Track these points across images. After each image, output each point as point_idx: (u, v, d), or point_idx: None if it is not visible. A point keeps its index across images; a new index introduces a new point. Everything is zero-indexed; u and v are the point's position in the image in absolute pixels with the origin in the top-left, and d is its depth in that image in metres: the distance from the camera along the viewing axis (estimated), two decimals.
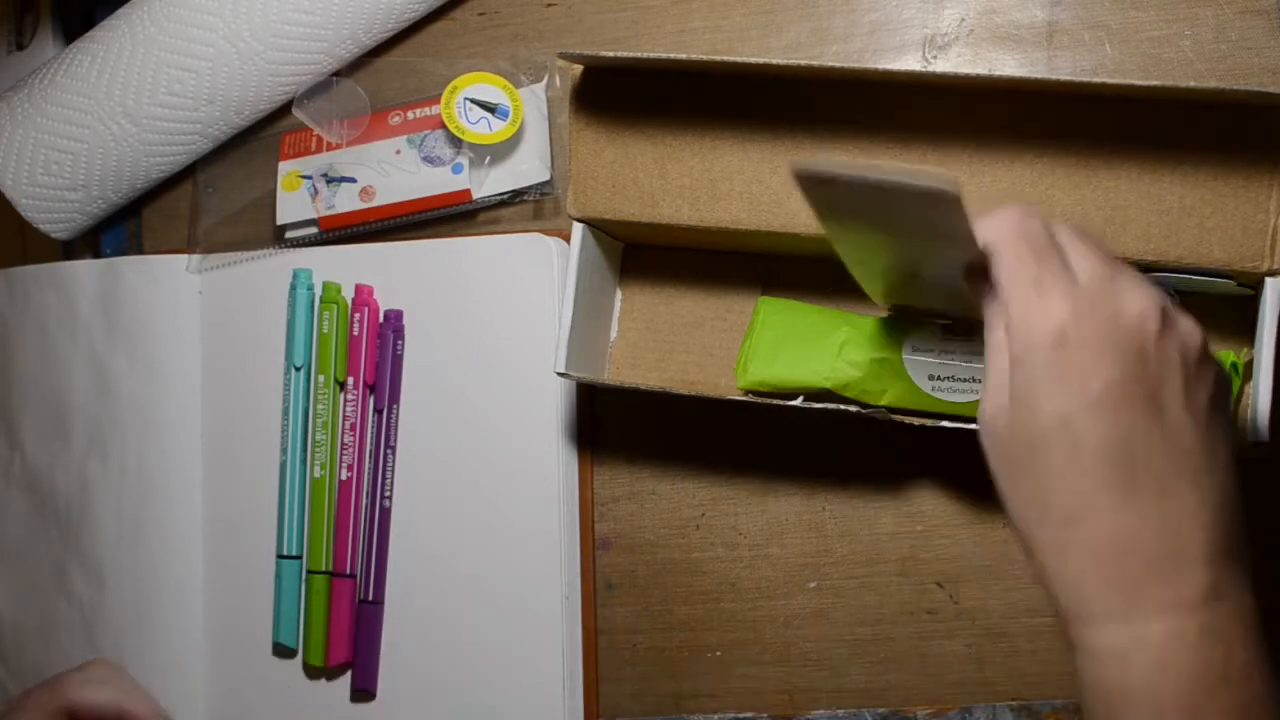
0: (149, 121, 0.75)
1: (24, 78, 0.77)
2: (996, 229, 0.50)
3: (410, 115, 0.76)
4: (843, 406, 0.63)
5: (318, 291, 0.76)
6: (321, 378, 0.75)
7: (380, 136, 0.75)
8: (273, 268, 0.77)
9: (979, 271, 0.52)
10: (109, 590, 0.77)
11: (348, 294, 0.76)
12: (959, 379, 0.63)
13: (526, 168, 0.74)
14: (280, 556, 0.75)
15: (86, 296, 0.79)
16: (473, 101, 0.73)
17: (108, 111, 0.75)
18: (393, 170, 0.74)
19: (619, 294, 0.73)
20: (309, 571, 0.75)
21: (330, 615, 0.74)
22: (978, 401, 0.59)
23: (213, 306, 0.78)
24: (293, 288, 0.76)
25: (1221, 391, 0.50)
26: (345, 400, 0.75)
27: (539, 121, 0.74)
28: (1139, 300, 0.48)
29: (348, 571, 0.74)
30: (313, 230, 0.76)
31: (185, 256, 0.79)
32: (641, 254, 0.72)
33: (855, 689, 0.68)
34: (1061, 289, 0.48)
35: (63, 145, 0.75)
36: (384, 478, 0.74)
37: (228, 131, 0.78)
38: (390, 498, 0.74)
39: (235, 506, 0.77)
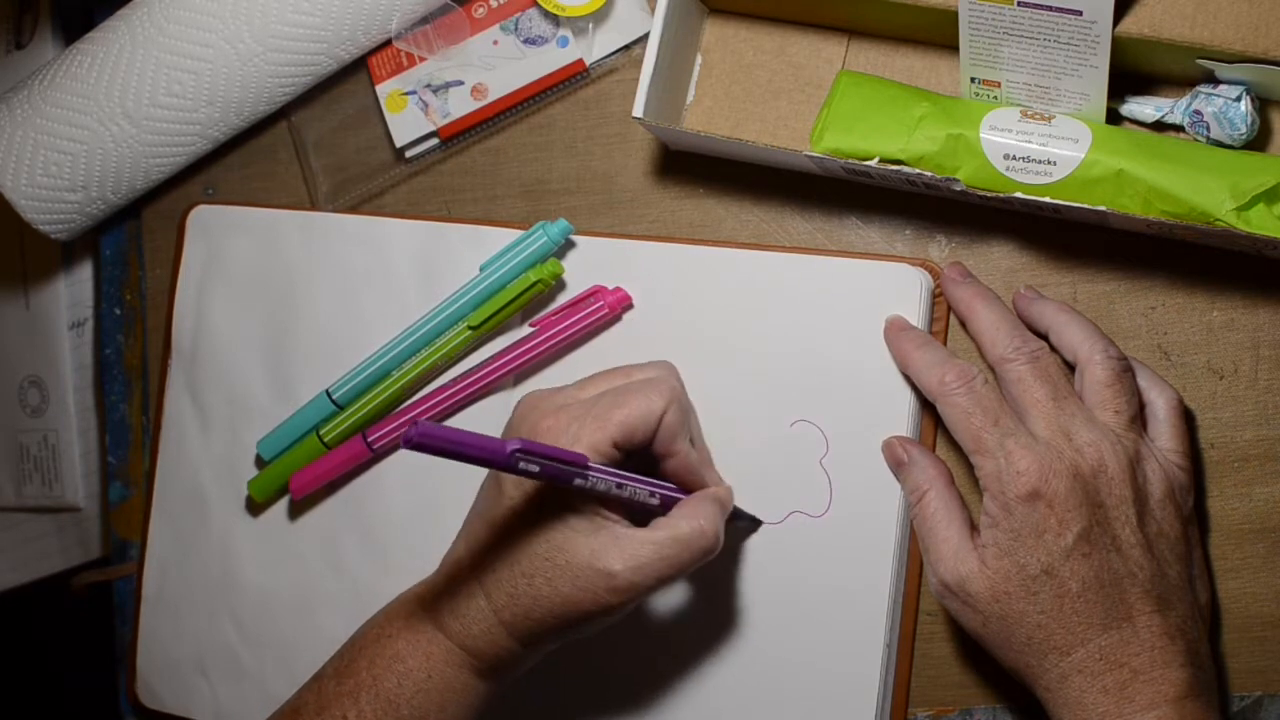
0: (148, 123, 0.75)
1: (23, 78, 0.78)
2: (951, 403, 0.59)
3: (494, 2, 0.75)
4: (918, 170, 0.62)
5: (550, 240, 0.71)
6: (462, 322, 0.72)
7: (471, 32, 0.75)
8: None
9: (894, 452, 0.63)
10: (392, 574, 0.72)
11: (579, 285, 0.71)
12: (1034, 160, 0.62)
13: (630, 18, 0.73)
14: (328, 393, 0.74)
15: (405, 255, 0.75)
16: None
17: (107, 113, 0.75)
18: (496, 61, 0.73)
19: (699, 59, 0.72)
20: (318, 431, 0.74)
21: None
22: (1049, 184, 0.62)
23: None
24: (537, 229, 0.71)
25: (1174, 525, 0.58)
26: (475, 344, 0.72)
27: None
28: (1094, 449, 0.56)
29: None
30: (434, 143, 0.76)
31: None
32: (724, 21, 0.72)
33: None
34: (1024, 448, 0.57)
35: (62, 146, 0.75)
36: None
37: (227, 133, 0.78)
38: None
39: None
